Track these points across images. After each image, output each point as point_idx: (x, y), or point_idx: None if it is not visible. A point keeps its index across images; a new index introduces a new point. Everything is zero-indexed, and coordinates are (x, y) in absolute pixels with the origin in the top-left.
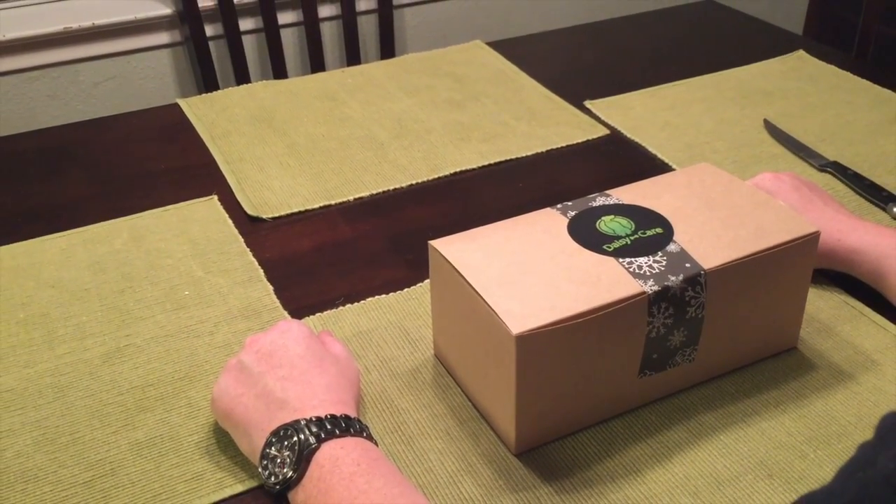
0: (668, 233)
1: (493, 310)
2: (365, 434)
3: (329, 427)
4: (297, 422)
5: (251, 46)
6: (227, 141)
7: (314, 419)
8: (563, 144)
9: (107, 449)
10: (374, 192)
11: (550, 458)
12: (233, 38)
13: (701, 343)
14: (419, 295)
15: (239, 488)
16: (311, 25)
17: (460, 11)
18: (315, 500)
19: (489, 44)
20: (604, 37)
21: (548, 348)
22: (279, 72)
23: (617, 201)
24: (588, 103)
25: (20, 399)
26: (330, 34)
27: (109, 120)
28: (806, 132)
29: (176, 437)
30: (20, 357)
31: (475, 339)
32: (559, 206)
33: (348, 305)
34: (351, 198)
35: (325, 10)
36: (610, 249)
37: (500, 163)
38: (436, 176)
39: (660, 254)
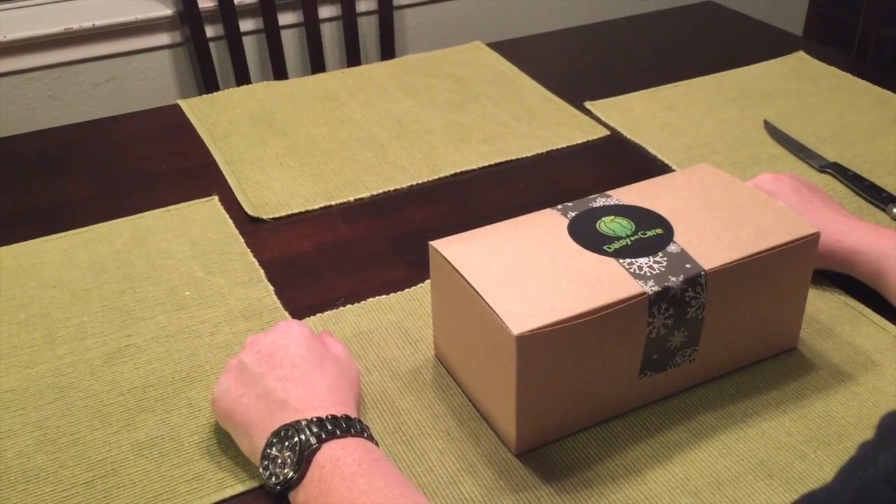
0: (668, 233)
1: (493, 310)
2: (366, 434)
3: (330, 427)
4: (298, 422)
5: (252, 47)
6: (228, 142)
7: (315, 419)
8: (564, 145)
9: (108, 449)
10: (375, 192)
11: (551, 459)
12: (233, 39)
13: (701, 343)
14: (419, 295)
15: (240, 488)
16: (311, 26)
17: (460, 12)
18: (316, 501)
19: (489, 45)
20: (604, 38)
21: (548, 349)
22: (279, 73)
23: (617, 202)
24: (588, 104)
25: (21, 399)
26: (330, 35)
27: (110, 121)
28: (806, 133)
29: (177, 437)
30: (21, 357)
31: (475, 340)
32: (559, 206)
33: (349, 306)
34: (351, 198)
35: (325, 11)
36: (610, 250)
37: (501, 163)
38: (436, 177)
39: (660, 254)
